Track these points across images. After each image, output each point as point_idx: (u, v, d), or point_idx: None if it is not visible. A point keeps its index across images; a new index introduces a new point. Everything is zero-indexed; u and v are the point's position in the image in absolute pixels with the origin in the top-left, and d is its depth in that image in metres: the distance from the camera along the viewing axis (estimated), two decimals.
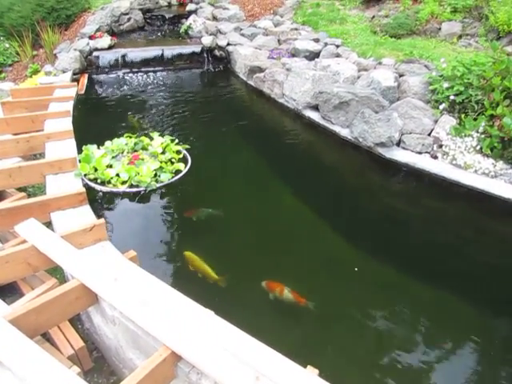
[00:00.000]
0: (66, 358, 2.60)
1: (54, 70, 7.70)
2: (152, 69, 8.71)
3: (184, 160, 5.12)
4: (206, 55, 9.01)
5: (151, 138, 5.36)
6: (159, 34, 10.37)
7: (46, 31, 8.23)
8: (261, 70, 7.81)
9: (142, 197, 4.51)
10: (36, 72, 7.71)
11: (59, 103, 5.50)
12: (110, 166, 4.75)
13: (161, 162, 4.89)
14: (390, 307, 3.45)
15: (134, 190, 4.54)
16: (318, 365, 2.10)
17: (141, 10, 10.18)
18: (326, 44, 8.29)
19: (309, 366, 2.08)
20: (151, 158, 4.94)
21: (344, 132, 6.11)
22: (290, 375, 2.00)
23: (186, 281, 3.55)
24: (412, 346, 3.14)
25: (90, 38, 8.75)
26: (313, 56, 8.01)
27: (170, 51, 8.80)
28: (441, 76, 6.06)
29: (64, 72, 7.76)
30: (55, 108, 5.30)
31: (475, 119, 5.47)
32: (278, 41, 8.98)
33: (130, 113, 6.62)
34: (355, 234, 4.34)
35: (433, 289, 3.69)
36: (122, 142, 5.18)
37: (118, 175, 4.63)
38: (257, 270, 3.74)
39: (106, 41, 8.65)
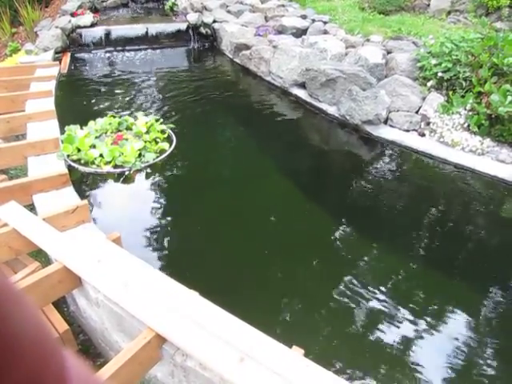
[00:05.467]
0: None
1: (35, 49, 7.48)
2: (136, 47, 8.51)
3: (169, 139, 5.05)
4: (191, 33, 8.82)
5: (135, 118, 5.27)
6: (143, 11, 10.15)
7: (25, 7, 7.98)
8: (247, 47, 7.68)
9: (126, 177, 4.44)
10: (16, 51, 7.49)
11: (41, 83, 5.38)
12: (94, 147, 4.65)
13: (145, 142, 4.81)
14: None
15: (118, 170, 4.47)
16: None
17: None
18: (313, 21, 8.17)
19: (294, 347, 2.07)
20: (135, 138, 4.86)
21: (331, 110, 6.05)
22: (274, 356, 1.99)
23: (170, 262, 3.52)
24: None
25: (72, 15, 8.52)
26: (300, 33, 7.90)
27: (154, 29, 8.61)
28: (429, 53, 6.01)
29: (45, 51, 7.53)
30: (37, 88, 5.18)
31: (463, 96, 5.44)
32: (265, 18, 8.83)
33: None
34: (342, 211, 4.33)
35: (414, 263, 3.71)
36: (106, 122, 5.08)
37: (101, 155, 4.54)
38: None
39: (88, 18, 8.42)
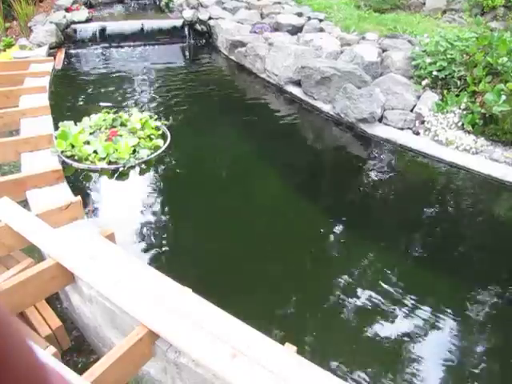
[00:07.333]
0: (42, 339, 2.56)
1: (29, 44, 7.43)
2: (132, 43, 8.48)
3: (163, 136, 5.04)
4: (187, 29, 8.80)
5: (130, 114, 5.25)
6: (139, 7, 10.10)
7: (19, 2, 7.90)
8: (243, 44, 7.67)
9: (120, 173, 4.43)
10: (10, 45, 7.42)
11: (35, 78, 5.34)
12: (88, 143, 4.64)
13: (139, 138, 4.80)
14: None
15: (113, 166, 4.45)
16: None
17: None
18: (309, 18, 8.18)
19: (287, 344, 2.07)
20: (130, 134, 4.84)
21: (326, 108, 6.06)
22: (267, 352, 1.99)
23: (163, 259, 3.51)
24: None
25: (67, 10, 8.48)
26: (296, 30, 7.90)
27: (150, 25, 8.57)
28: (424, 51, 6.03)
29: (40, 46, 7.49)
30: (31, 83, 5.15)
31: (457, 95, 5.47)
32: (261, 15, 8.83)
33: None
34: (336, 208, 4.34)
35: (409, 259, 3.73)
36: (100, 118, 5.06)
37: (95, 152, 4.53)
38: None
39: (83, 13, 8.38)
